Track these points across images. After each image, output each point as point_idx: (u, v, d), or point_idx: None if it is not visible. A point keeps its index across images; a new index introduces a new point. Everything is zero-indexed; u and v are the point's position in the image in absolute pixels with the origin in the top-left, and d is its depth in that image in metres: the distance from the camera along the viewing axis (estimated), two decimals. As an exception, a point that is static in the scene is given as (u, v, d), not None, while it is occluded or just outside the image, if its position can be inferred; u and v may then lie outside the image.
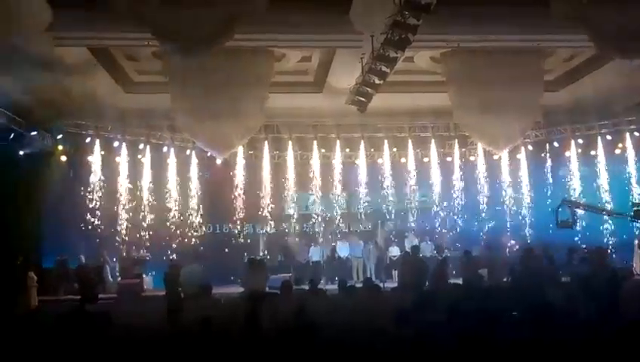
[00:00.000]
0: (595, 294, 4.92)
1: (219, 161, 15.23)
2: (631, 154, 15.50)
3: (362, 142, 16.53)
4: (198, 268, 11.10)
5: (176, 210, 15.66)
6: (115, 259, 14.49)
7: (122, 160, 15.07)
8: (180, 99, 12.40)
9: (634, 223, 13.53)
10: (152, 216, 15.32)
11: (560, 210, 13.60)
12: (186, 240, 15.61)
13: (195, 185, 15.94)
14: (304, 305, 6.50)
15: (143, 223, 15.16)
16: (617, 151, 15.71)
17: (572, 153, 16.20)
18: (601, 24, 9.79)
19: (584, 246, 14.10)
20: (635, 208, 9.62)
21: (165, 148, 15.79)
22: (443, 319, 4.44)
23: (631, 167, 15.45)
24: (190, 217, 15.78)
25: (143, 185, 15.32)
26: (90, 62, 12.12)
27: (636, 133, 15.43)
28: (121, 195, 14.91)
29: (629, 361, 3.49)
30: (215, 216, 16.29)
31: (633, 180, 15.36)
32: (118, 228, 14.77)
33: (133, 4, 9.02)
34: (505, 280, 10.20)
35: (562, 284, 6.90)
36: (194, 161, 15.99)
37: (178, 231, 15.56)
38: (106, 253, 14.31)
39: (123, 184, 14.99)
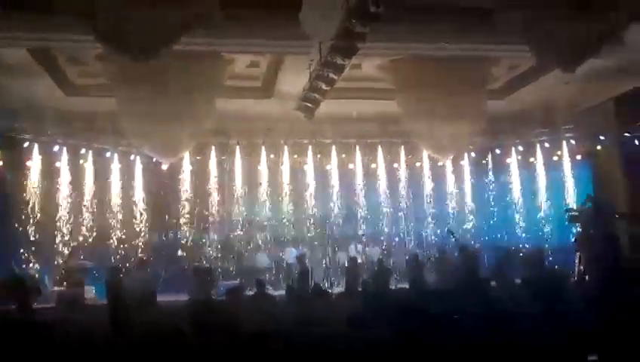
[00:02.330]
0: (526, 294, 5.10)
1: (165, 167, 14.94)
2: (567, 161, 16.18)
3: (310, 148, 16.61)
4: (142, 275, 10.86)
5: (120, 217, 15.29)
6: (54, 268, 13.99)
7: (63, 165, 14.59)
8: (125, 103, 12.10)
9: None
10: (95, 223, 14.90)
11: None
12: (131, 247, 15.24)
13: (139, 191, 15.59)
14: (251, 311, 6.45)
15: (85, 230, 14.71)
16: (555, 158, 16.38)
17: (513, 160, 16.80)
18: (541, 37, 10.17)
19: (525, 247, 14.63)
20: (568, 213, 10.08)
21: (108, 153, 15.39)
22: (384, 322, 4.50)
23: (567, 174, 16.12)
24: (134, 224, 15.41)
25: (85, 190, 14.87)
26: (30, 64, 11.70)
27: (572, 141, 16.14)
28: (61, 201, 14.44)
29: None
30: (161, 223, 15.96)
31: (570, 187, 16.03)
32: (58, 236, 14.29)
33: (76, 6, 8.75)
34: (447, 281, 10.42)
35: (500, 285, 7.13)
36: (139, 166, 15.65)
37: (122, 239, 15.17)
38: (43, 261, 13.79)
39: (63, 190, 14.52)
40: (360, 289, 9.61)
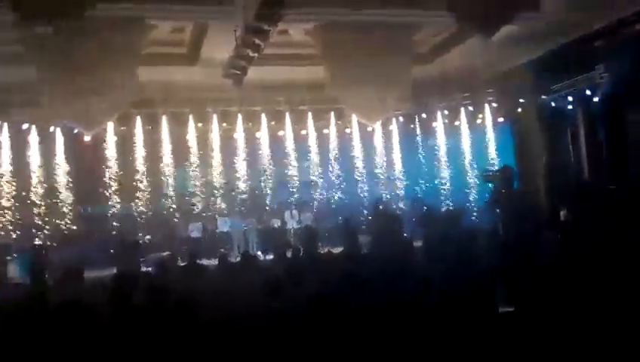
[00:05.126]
0: (443, 251, 5.34)
1: (87, 138, 14.36)
2: (489, 123, 16.82)
3: (240, 116, 16.44)
4: (67, 251, 10.56)
5: (42, 192, 14.70)
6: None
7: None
8: (43, 73, 11.52)
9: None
10: (15, 199, 14.27)
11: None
12: (55, 223, 14.72)
13: (61, 165, 14.98)
14: (180, 282, 6.44)
15: (5, 206, 14.07)
16: (478, 122, 16.96)
17: (439, 123, 17.27)
18: (461, 3, 10.43)
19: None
20: (484, 174, 10.62)
21: (25, 126, 14.66)
22: (312, 286, 4.62)
23: (489, 136, 16.76)
24: (58, 198, 14.86)
25: (2, 165, 14.18)
26: None
27: (494, 104, 16.73)
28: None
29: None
30: (86, 197, 15.43)
31: (491, 148, 16.68)
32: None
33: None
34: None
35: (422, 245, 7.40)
36: (59, 138, 15.02)
37: (45, 214, 14.62)
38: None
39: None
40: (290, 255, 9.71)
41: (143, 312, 4.70)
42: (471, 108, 17.05)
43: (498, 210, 8.11)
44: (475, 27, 11.02)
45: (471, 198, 16.42)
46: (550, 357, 3.46)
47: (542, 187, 15.01)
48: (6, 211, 14.20)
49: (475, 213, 15.21)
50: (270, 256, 12.71)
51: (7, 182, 14.31)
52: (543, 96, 15.53)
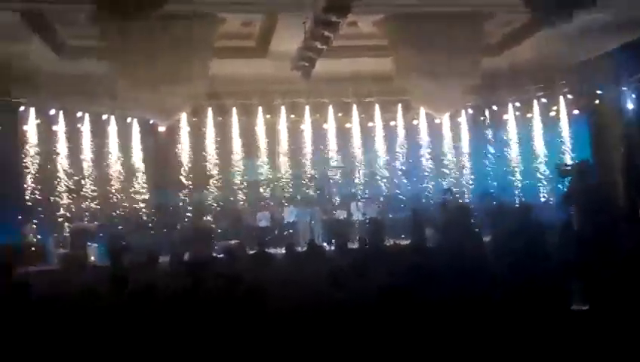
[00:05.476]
0: (510, 247, 5.22)
1: (162, 129, 14.93)
2: (564, 117, 16.19)
3: (307, 107, 16.61)
4: (143, 236, 11.03)
5: (119, 179, 15.41)
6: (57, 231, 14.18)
7: (60, 129, 14.61)
8: (120, 66, 12.04)
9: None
10: (94, 186, 15.02)
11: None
12: (131, 210, 15.41)
13: (137, 154, 15.66)
14: (251, 269, 6.62)
15: (85, 193, 14.84)
16: (552, 114, 16.38)
17: (510, 116, 16.80)
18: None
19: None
20: (560, 168, 10.20)
21: (105, 116, 15.39)
22: (383, 278, 4.64)
23: (564, 129, 16.15)
24: (134, 186, 15.54)
25: (84, 154, 14.93)
26: (22, 26, 11.58)
27: (569, 96, 16.10)
28: (60, 165, 14.52)
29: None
30: (160, 185, 16.07)
31: (566, 141, 16.08)
32: (59, 200, 14.42)
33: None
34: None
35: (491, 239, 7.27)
36: (136, 128, 15.68)
37: (122, 201, 15.32)
38: (45, 224, 13.94)
39: (62, 153, 14.59)
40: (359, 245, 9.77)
41: (217, 298, 4.87)
42: (544, 100, 16.47)
43: (574, 205, 7.83)
44: (549, 15, 10.62)
45: (544, 192, 15.91)
46: (628, 357, 3.35)
47: (620, 181, 14.36)
48: (87, 198, 14.93)
49: (548, 208, 14.72)
50: (335, 247, 12.85)
51: (87, 170, 15.04)
52: (623, 88, 14.81)
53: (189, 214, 15.72)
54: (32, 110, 14.19)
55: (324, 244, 13.60)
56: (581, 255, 4.61)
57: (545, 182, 16.04)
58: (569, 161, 13.34)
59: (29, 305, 4.86)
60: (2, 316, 4.42)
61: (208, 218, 15.73)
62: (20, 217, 13.62)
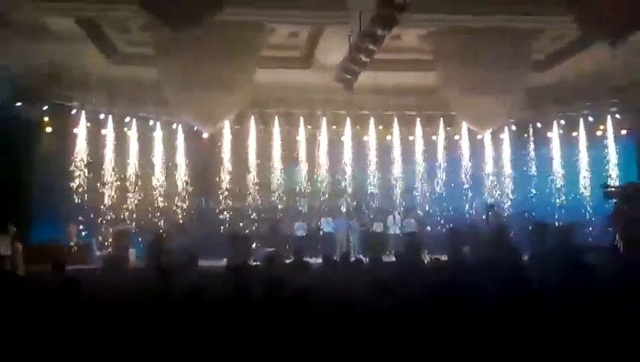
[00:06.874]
0: (551, 267, 5.13)
1: (205, 135, 15.23)
2: (610, 135, 15.83)
3: (348, 119, 16.68)
4: (183, 240, 11.22)
5: (162, 184, 15.75)
6: (101, 232, 14.58)
7: (108, 132, 15.05)
8: (168, 72, 12.36)
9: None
10: (138, 190, 15.38)
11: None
12: (172, 213, 15.73)
13: (181, 159, 15.99)
14: (288, 276, 6.67)
15: (129, 197, 15.21)
16: (598, 133, 16.02)
17: (554, 134, 16.51)
18: (585, 7, 9.90)
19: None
20: (605, 189, 9.89)
21: (152, 122, 15.79)
22: (418, 292, 4.63)
23: (610, 149, 15.77)
24: (176, 191, 15.86)
25: (129, 158, 15.33)
26: (77, 32, 12.01)
27: (617, 116, 15.73)
28: (106, 168, 14.93)
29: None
30: (201, 190, 16.36)
31: (611, 161, 15.69)
32: (104, 202, 14.83)
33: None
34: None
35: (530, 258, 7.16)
36: (180, 134, 16.03)
37: (164, 205, 15.65)
38: (90, 226, 14.32)
39: (109, 157, 15.00)
40: (394, 259, 9.71)
41: (259, 303, 4.94)
42: (591, 118, 16.12)
43: (619, 227, 7.62)
44: (600, 35, 10.42)
45: (587, 212, 15.52)
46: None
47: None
48: (130, 201, 15.31)
49: (590, 229, 14.37)
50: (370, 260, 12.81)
51: (132, 174, 15.42)
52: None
53: (227, 220, 15.95)
54: (83, 113, 14.65)
55: (360, 256, 13.58)
56: (626, 278, 4.52)
57: (586, 203, 15.65)
58: (615, 183, 12.97)
59: (79, 301, 5.02)
60: (55, 310, 4.58)
61: (246, 224, 15.94)
62: (66, 217, 14.05)
